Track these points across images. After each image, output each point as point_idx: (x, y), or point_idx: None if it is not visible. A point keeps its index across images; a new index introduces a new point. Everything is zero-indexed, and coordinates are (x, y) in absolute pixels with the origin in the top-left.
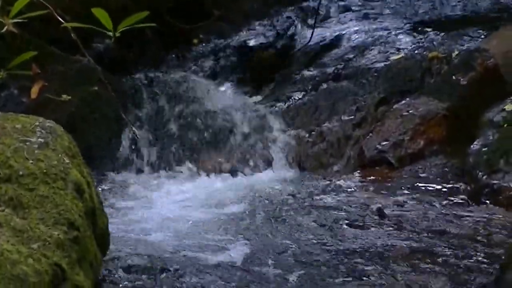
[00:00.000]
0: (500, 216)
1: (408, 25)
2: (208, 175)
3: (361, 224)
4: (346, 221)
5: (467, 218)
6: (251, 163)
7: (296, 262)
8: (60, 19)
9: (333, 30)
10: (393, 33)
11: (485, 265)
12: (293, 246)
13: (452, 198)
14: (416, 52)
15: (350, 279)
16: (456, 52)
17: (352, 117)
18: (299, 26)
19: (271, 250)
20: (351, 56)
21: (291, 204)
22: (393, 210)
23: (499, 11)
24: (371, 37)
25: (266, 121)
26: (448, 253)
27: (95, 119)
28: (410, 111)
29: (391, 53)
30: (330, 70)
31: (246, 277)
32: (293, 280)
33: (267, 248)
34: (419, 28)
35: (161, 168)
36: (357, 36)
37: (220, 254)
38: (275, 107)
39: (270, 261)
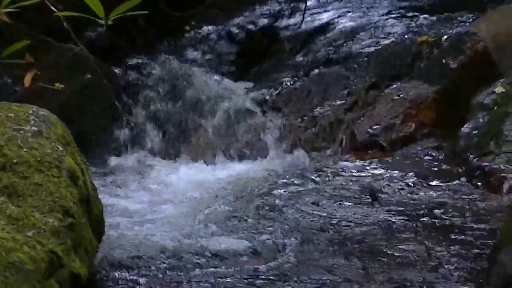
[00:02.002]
0: (491, 197)
1: (397, 9)
2: (202, 162)
3: (353, 206)
4: (338, 204)
5: (458, 200)
6: (244, 150)
7: (283, 246)
8: (53, 8)
9: (324, 15)
10: (383, 17)
11: (477, 247)
12: (281, 229)
13: (443, 181)
14: (406, 36)
15: (341, 260)
16: (446, 36)
17: (344, 101)
18: (290, 11)
19: (261, 234)
20: (342, 41)
21: (282, 189)
22: (385, 193)
23: None
24: (361, 22)
25: (257, 107)
26: (439, 234)
27: (89, 108)
28: (401, 95)
29: (381, 37)
30: (321, 55)
31: (237, 264)
32: (281, 263)
33: (257, 234)
34: (409, 13)
35: (156, 155)
36: (347, 21)
37: (215, 239)
38: (267, 92)
39: (260, 246)
